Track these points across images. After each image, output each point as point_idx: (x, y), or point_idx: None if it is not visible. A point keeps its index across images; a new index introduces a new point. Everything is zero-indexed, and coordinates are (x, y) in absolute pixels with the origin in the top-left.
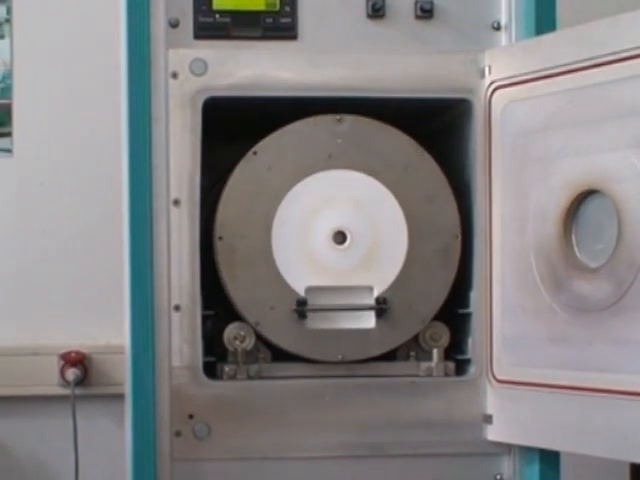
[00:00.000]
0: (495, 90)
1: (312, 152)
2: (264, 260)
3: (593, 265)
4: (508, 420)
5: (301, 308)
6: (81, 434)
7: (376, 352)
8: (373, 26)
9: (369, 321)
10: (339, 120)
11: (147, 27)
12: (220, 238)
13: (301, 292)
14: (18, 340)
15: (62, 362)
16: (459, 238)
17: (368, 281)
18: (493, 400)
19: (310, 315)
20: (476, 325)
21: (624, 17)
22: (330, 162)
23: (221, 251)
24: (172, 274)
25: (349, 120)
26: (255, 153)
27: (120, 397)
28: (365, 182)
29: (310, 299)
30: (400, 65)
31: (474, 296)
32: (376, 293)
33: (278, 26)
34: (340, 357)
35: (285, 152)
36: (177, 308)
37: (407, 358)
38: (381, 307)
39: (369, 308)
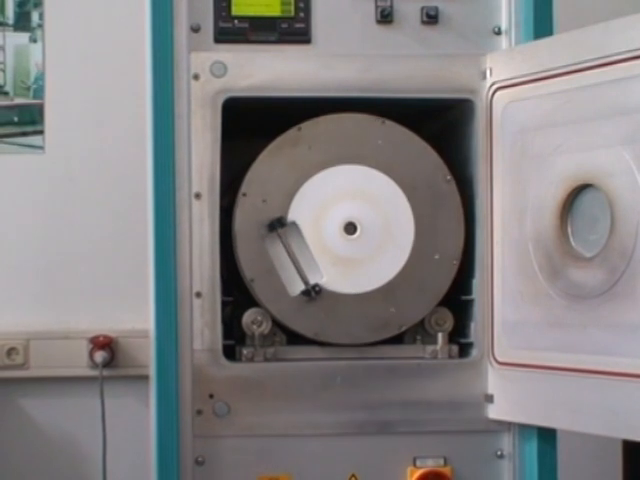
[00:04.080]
0: (496, 91)
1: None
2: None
3: (587, 254)
4: (508, 399)
5: (275, 225)
6: (108, 413)
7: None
8: (382, 31)
9: (295, 289)
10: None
11: (170, 32)
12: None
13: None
14: (50, 325)
15: (91, 345)
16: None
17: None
18: (494, 381)
19: (274, 241)
20: (478, 310)
21: (616, 22)
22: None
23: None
24: (194, 263)
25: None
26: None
27: (145, 378)
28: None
29: (289, 229)
30: (407, 67)
31: (476, 283)
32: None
33: (293, 31)
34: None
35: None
36: (198, 295)
37: (414, 342)
38: (308, 289)
39: (304, 282)
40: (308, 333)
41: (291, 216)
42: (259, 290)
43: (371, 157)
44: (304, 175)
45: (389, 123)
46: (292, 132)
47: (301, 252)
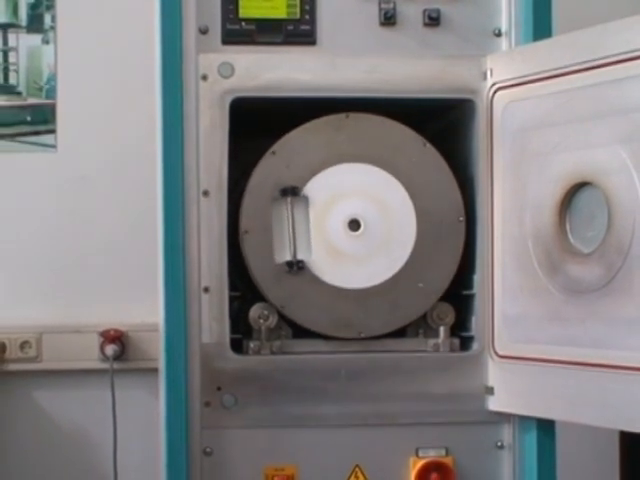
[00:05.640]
0: (496, 91)
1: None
2: None
3: (585, 250)
4: (508, 392)
5: (288, 191)
6: (119, 405)
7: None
8: (385, 33)
9: (281, 257)
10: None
11: (179, 34)
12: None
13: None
14: (62, 319)
15: (102, 339)
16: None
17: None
18: (494, 373)
19: (281, 207)
20: (479, 305)
21: (614, 24)
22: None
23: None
24: (202, 259)
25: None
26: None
27: (155, 371)
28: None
29: (299, 201)
30: (410, 68)
31: (477, 278)
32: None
33: (298, 33)
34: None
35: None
36: (207, 290)
37: (416, 335)
38: (292, 262)
39: (293, 254)
40: (275, 302)
41: (306, 191)
42: (248, 243)
43: (401, 171)
44: (334, 160)
45: (429, 147)
46: (340, 117)
47: (301, 226)
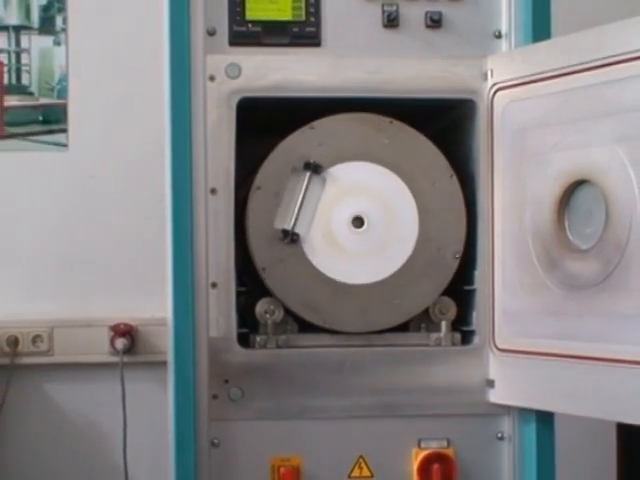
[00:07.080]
0: (497, 91)
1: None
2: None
3: (584, 247)
4: (508, 384)
5: (310, 166)
6: (129, 397)
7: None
8: (388, 34)
9: (280, 224)
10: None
11: (187, 35)
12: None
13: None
14: (73, 314)
15: (112, 333)
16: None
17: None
18: (495, 367)
19: (299, 180)
20: (480, 300)
21: (611, 26)
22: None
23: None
24: (210, 255)
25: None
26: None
27: (164, 364)
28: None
29: (318, 179)
30: (412, 69)
31: (478, 274)
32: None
33: (304, 34)
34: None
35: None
36: (214, 285)
37: (418, 329)
38: (288, 231)
39: (292, 224)
40: (258, 262)
41: (327, 174)
42: (256, 199)
43: (420, 192)
44: (364, 156)
45: (455, 180)
46: (384, 120)
47: (309, 203)
